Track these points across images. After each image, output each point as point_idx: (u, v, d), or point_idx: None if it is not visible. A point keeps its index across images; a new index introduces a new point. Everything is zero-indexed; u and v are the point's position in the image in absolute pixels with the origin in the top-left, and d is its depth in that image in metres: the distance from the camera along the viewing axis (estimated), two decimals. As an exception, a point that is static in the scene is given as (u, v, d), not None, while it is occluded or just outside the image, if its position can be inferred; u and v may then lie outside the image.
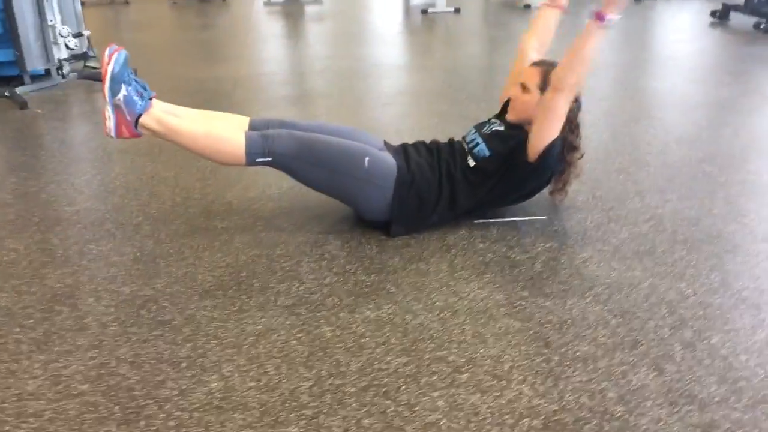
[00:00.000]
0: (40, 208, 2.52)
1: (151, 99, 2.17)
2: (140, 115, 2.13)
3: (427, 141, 2.42)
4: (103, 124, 2.15)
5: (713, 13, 5.99)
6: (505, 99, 2.39)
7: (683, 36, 5.44)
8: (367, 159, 2.16)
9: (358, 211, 2.30)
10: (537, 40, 2.44)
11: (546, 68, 2.22)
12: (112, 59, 2.07)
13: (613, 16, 1.97)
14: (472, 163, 2.23)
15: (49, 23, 4.09)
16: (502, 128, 2.28)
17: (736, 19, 5.82)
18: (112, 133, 2.15)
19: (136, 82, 2.15)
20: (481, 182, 2.22)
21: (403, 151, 2.31)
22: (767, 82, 4.00)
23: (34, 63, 4.09)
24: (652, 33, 5.80)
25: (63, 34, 4.14)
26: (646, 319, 1.77)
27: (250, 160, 2.16)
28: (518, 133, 2.24)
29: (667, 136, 3.12)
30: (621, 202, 2.45)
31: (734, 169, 2.72)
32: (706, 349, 1.64)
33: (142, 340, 1.73)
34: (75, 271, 2.07)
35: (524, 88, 2.24)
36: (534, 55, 2.39)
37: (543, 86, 2.20)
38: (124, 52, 2.10)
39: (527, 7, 6.97)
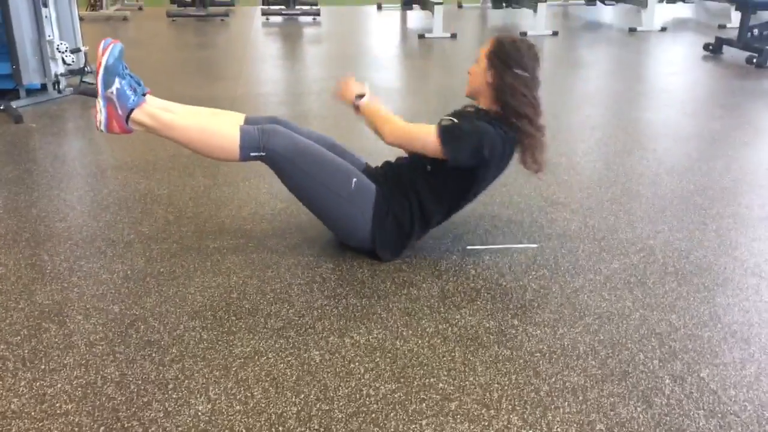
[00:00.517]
0: (31, 223, 2.51)
1: (144, 95, 2.16)
2: (132, 110, 2.11)
3: (393, 160, 2.40)
4: (94, 117, 2.14)
5: (706, 47, 6.06)
6: None
7: (677, 68, 5.50)
8: (354, 180, 2.16)
9: (333, 231, 2.29)
10: None
11: (498, 38, 2.24)
12: (107, 51, 2.06)
13: (355, 101, 2.35)
14: (429, 167, 2.20)
15: (47, 38, 4.10)
16: (449, 121, 2.22)
17: (729, 52, 5.89)
18: (103, 127, 2.13)
19: (131, 76, 2.14)
20: (442, 184, 2.20)
21: (376, 174, 2.31)
22: (759, 116, 4.04)
23: (31, 77, 4.10)
24: (646, 65, 5.86)
25: (61, 50, 4.15)
26: (636, 350, 1.77)
27: (244, 154, 2.14)
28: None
29: (659, 167, 3.14)
30: (613, 232, 2.46)
31: (725, 202, 2.74)
32: (695, 383, 1.64)
33: (129, 359, 1.71)
34: (64, 288, 2.05)
35: (477, 60, 2.27)
36: None
37: (490, 54, 2.20)
38: (119, 45, 2.09)
39: (523, 35, 7.05)
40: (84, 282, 2.09)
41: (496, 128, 2.12)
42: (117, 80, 2.08)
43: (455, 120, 2.19)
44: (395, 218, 2.19)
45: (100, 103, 2.10)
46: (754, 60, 5.44)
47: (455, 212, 2.33)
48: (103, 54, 2.06)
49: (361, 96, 2.35)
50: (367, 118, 2.32)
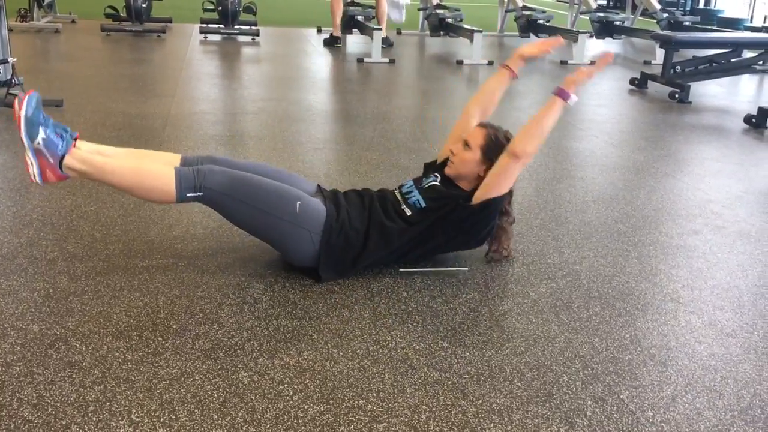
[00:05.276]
0: (-52, 238, 2.40)
1: (75, 139, 2.12)
2: (63, 156, 2.07)
3: (359, 188, 2.45)
4: (26, 171, 2.08)
5: (632, 81, 6.33)
6: (444, 156, 2.45)
7: (604, 101, 5.71)
8: (298, 203, 2.17)
9: (284, 255, 2.29)
10: (480, 107, 2.52)
11: (491, 131, 2.32)
12: (23, 103, 2.01)
13: (574, 96, 2.16)
14: (408, 212, 2.27)
15: (-27, 47, 3.96)
16: (438, 184, 2.35)
17: (654, 87, 6.16)
18: (38, 179, 2.08)
19: (55, 124, 2.09)
20: (412, 229, 2.26)
21: (333, 198, 2.32)
22: (680, 149, 4.24)
23: (-47, 87, 3.94)
24: (576, 96, 6.07)
25: (-14, 60, 4.01)
26: (560, 372, 1.82)
27: (181, 195, 2.12)
28: (454, 193, 2.31)
29: (586, 195, 3.25)
30: (541, 257, 2.53)
31: (647, 230, 2.85)
32: (615, 404, 1.69)
33: (47, 381, 1.65)
34: (-20, 306, 1.97)
35: (467, 145, 2.32)
36: (475, 120, 2.48)
37: (485, 147, 2.29)
38: (35, 94, 2.05)
39: (460, 63, 7.20)
40: (2, 300, 2.01)
41: None
42: (41, 130, 2.03)
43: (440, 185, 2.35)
44: (346, 241, 2.20)
45: (29, 156, 2.05)
46: (677, 95, 5.71)
47: (414, 255, 2.34)
48: (20, 107, 2.00)
49: (574, 96, 2.18)
50: (549, 114, 2.19)
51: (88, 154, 2.12)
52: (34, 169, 2.07)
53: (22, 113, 2.00)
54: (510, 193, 2.36)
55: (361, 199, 2.34)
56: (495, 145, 2.30)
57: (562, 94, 2.17)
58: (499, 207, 2.31)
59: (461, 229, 2.29)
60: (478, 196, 2.25)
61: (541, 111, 2.20)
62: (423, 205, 2.27)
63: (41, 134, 2.03)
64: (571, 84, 2.17)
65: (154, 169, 2.15)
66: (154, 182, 2.13)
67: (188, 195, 2.13)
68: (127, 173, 2.12)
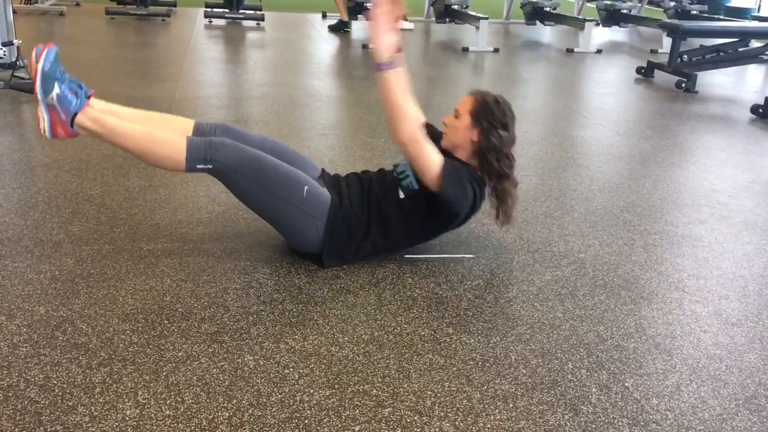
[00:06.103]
0: (-46, 219, 2.40)
1: (88, 98, 2.11)
2: (76, 114, 2.05)
3: (360, 172, 2.43)
4: (37, 124, 2.07)
5: (639, 70, 6.30)
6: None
7: (610, 89, 5.68)
8: (306, 188, 2.16)
9: (286, 238, 2.29)
10: None
11: (478, 96, 2.29)
12: (41, 56, 1.99)
13: (386, 58, 2.06)
14: (402, 195, 2.25)
15: (-22, 29, 3.95)
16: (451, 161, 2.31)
17: (660, 76, 6.13)
18: (47, 134, 2.07)
19: (70, 80, 2.08)
20: (411, 214, 2.25)
21: (336, 184, 2.32)
22: (686, 138, 4.22)
23: (-42, 69, 3.93)
24: (581, 84, 6.04)
25: (-9, 42, 4.00)
26: (565, 360, 1.82)
27: (190, 166, 2.11)
28: None
29: (591, 183, 3.24)
30: (546, 245, 2.52)
31: (652, 219, 2.85)
32: (620, 392, 1.70)
33: (54, 362, 1.66)
34: (-13, 288, 1.97)
35: (456, 113, 2.30)
36: None
37: (473, 111, 2.25)
38: (54, 48, 2.03)
39: (465, 50, 7.16)
40: (8, 282, 2.01)
41: (474, 184, 2.21)
42: (56, 85, 2.02)
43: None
44: (349, 229, 2.20)
45: (42, 110, 2.04)
46: (683, 85, 5.68)
47: (416, 242, 2.36)
48: (38, 60, 1.99)
49: (396, 53, 2.06)
50: (387, 91, 2.10)
51: (100, 114, 2.10)
52: (44, 124, 2.06)
53: (40, 66, 1.99)
54: (507, 156, 2.25)
55: (360, 185, 2.32)
56: (482, 107, 2.25)
57: (377, 67, 2.08)
58: (468, 184, 2.21)
59: (450, 217, 2.27)
60: (426, 182, 2.19)
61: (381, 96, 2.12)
62: (416, 187, 2.24)
63: (56, 89, 2.02)
64: (377, 51, 2.07)
65: (166, 136, 2.14)
66: (164, 150, 2.11)
67: (198, 166, 2.11)
68: (139, 138, 2.11)
